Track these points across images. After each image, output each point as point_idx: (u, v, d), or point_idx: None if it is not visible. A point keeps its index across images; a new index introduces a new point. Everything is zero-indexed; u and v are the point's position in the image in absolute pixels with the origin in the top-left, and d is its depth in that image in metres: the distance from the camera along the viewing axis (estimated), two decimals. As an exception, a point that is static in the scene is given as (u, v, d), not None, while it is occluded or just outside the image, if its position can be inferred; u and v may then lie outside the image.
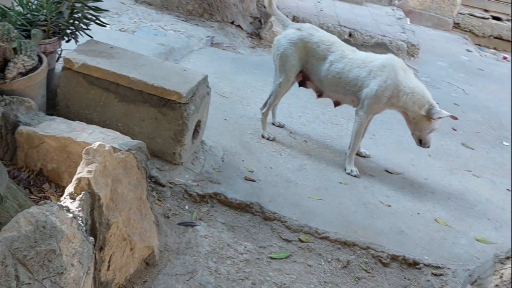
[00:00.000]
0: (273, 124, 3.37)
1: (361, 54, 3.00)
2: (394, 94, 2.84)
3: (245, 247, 2.21)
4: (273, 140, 3.15)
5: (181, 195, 2.45)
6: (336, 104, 3.18)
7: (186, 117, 2.37)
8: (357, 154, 3.16)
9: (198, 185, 2.51)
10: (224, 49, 4.92)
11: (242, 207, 2.44)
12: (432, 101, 2.85)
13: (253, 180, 2.65)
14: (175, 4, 5.25)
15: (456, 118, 2.94)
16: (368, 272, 2.19)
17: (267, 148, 3.05)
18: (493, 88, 5.42)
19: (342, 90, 3.01)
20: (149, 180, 2.38)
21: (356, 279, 2.15)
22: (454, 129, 3.93)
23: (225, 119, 3.27)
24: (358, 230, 2.40)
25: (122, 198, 1.71)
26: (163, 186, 2.44)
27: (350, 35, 6.00)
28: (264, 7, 3.92)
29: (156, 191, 2.42)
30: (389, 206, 2.68)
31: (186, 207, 2.41)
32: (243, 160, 2.83)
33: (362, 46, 5.74)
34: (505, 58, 7.05)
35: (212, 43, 4.94)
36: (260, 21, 5.88)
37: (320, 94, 3.17)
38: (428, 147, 2.98)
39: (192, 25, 5.05)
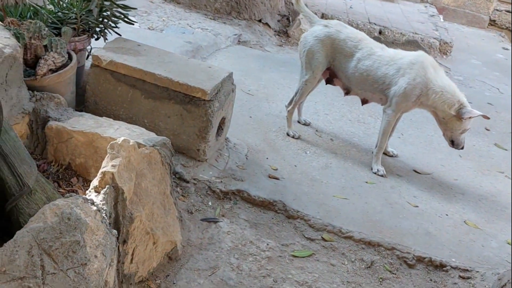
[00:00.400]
0: (298, 122, 3.34)
1: (389, 51, 2.93)
2: (423, 92, 2.76)
3: (268, 244, 2.20)
4: (298, 138, 3.13)
5: (205, 192, 2.47)
6: (364, 102, 3.12)
7: (210, 114, 2.38)
8: (385, 154, 3.10)
9: (221, 181, 2.52)
10: (251, 47, 4.93)
11: (265, 205, 2.43)
12: (463, 100, 2.75)
13: (277, 178, 2.64)
14: (203, 3, 5.30)
15: (488, 118, 2.83)
16: (393, 273, 2.14)
17: (292, 146, 3.03)
18: (531, 87, 5.19)
19: (370, 88, 2.95)
20: (173, 176, 2.41)
21: (380, 280, 2.10)
22: (487, 129, 3.78)
23: (250, 117, 3.27)
24: (384, 230, 2.34)
25: (146, 193, 1.74)
26: (187, 182, 2.47)
27: (380, 32, 5.88)
28: (292, 4, 3.90)
29: (180, 187, 2.45)
30: (417, 206, 2.61)
31: (210, 203, 2.43)
32: (267, 158, 2.83)
33: (393, 43, 5.62)
34: (543, 55, 6.73)
35: (239, 41, 4.95)
36: (288, 19, 5.85)
37: (347, 92, 3.13)
38: (462, 148, 2.87)
39: (219, 23, 5.08)
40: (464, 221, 2.54)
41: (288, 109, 3.18)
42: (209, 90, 2.32)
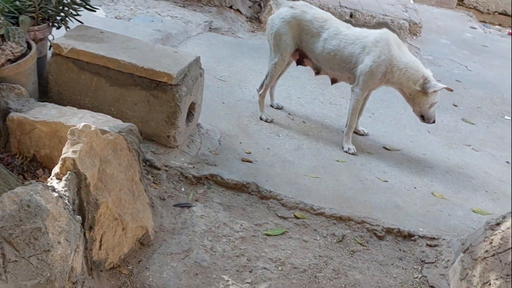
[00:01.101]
0: (271, 106, 3.35)
1: (355, 30, 2.96)
2: (388, 69, 2.81)
3: (241, 225, 2.22)
4: (271, 121, 3.14)
5: (177, 178, 2.47)
6: (333, 81, 3.15)
7: (178, 99, 2.37)
8: (355, 132, 3.14)
9: (194, 167, 2.52)
10: (222, 33, 4.89)
11: (239, 187, 2.44)
12: (428, 75, 2.81)
13: (250, 161, 2.65)
14: (172, -10, 5.21)
15: (451, 90, 2.90)
16: (363, 246, 2.19)
17: (264, 129, 3.05)
18: (497, 64, 5.31)
19: (338, 67, 2.98)
20: (144, 164, 2.39)
21: (351, 252, 2.15)
22: (455, 105, 3.87)
23: (223, 103, 3.27)
24: (354, 205, 2.39)
25: (112, 179, 1.73)
26: (158, 169, 2.45)
27: (351, 15, 5.91)
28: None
29: (152, 174, 2.44)
30: (386, 181, 2.67)
31: (182, 189, 2.43)
32: (240, 142, 2.83)
33: (364, 26, 5.63)
34: (510, 34, 6.89)
35: (210, 28, 4.90)
36: (259, 4, 5.81)
37: (318, 72, 3.15)
38: (433, 122, 2.92)
39: (189, 11, 5.02)
40: (432, 193, 2.61)
41: (260, 93, 3.19)
42: (175, 74, 2.30)
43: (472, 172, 2.89)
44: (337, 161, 2.82)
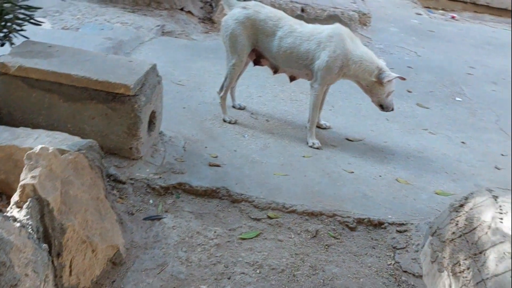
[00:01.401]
0: (233, 107, 3.34)
1: (308, 27, 3.00)
2: (344, 63, 2.87)
3: (215, 232, 2.20)
4: (235, 123, 3.13)
5: (144, 190, 2.41)
6: (292, 79, 3.19)
7: (137, 109, 2.31)
8: (318, 127, 3.19)
9: (160, 177, 2.47)
10: (176, 37, 4.81)
11: (209, 193, 2.42)
12: (382, 66, 2.89)
13: (218, 165, 2.63)
14: (119, -4, 5.07)
15: (404, 79, 3.00)
16: (337, 238, 2.23)
17: (229, 131, 3.03)
18: (444, 48, 5.56)
19: (295, 65, 3.01)
20: (108, 179, 2.32)
21: (326, 247, 2.19)
22: (409, 91, 4.01)
23: (184, 108, 3.22)
24: (324, 199, 2.43)
25: (76, 200, 1.66)
26: (124, 183, 2.39)
27: (302, 10, 5.98)
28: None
29: (117, 189, 2.36)
30: (352, 172, 2.73)
31: (151, 201, 2.37)
32: (206, 147, 2.80)
33: (315, 20, 5.73)
34: (453, 17, 7.22)
35: (163, 32, 4.81)
36: (211, 4, 5.76)
37: (276, 70, 3.17)
38: (392, 110, 3.02)
39: (139, 16, 4.90)
40: (396, 179, 2.70)
41: (221, 95, 3.16)
42: (132, 84, 2.24)
43: (431, 155, 3.01)
44: (303, 156, 2.86)
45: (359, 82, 2.96)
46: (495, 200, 1.77)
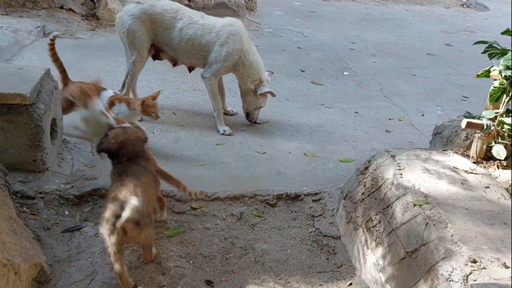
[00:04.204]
0: (136, 104, 3.25)
1: (210, 20, 3.07)
2: (238, 61, 3.01)
3: (141, 232, 2.17)
4: (141, 120, 3.06)
5: (57, 202, 2.28)
6: (191, 69, 3.24)
7: (37, 119, 2.15)
8: (225, 114, 3.28)
9: (73, 186, 2.35)
10: (60, 37, 4.46)
11: (127, 195, 2.36)
12: (263, 79, 3.07)
13: (131, 166, 2.57)
14: (-14, -3, 4.54)
15: (274, 95, 3.16)
16: (260, 217, 2.37)
17: (136, 129, 2.96)
18: (327, 27, 6.01)
19: (195, 55, 3.05)
20: (14, 196, 2.14)
21: (252, 226, 2.31)
22: (302, 71, 4.30)
23: (83, 111, 3.05)
24: (243, 182, 2.54)
25: (-13, 225, 1.52)
26: (33, 198, 2.23)
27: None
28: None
29: (26, 205, 2.20)
30: (265, 153, 2.88)
31: (66, 212, 2.26)
32: (114, 149, 2.71)
33: (204, 8, 5.76)
34: (328, -3, 7.78)
35: (44, 33, 4.46)
36: (92, 0, 5.43)
37: (175, 63, 3.17)
38: (254, 122, 3.18)
39: (15, 18, 4.48)
40: (304, 154, 2.92)
41: (123, 93, 3.07)
42: (28, 93, 2.07)
43: (331, 127, 3.31)
44: (217, 144, 2.93)
45: (241, 84, 3.12)
46: (393, 159, 2.04)
